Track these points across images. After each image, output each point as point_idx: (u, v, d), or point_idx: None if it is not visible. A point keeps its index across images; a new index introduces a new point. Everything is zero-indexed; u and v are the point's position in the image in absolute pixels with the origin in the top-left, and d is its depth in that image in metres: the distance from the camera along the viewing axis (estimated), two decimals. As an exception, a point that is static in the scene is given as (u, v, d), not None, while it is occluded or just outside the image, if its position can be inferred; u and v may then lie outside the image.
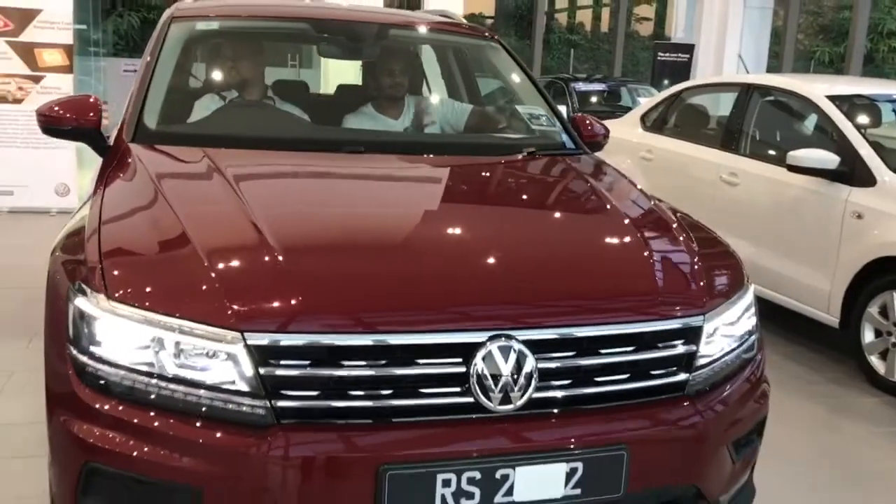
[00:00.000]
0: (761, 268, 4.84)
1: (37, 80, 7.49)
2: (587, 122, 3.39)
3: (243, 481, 1.76)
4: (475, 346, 1.85)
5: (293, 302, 1.85)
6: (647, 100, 7.07)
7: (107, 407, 1.83)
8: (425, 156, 3.08)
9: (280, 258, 1.94)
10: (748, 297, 2.31)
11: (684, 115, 6.30)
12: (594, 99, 11.90)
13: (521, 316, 1.95)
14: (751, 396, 2.24)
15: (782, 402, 3.64)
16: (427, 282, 2.03)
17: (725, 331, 2.17)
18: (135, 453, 1.79)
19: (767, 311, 5.27)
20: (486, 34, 3.82)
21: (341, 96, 3.90)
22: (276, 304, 1.85)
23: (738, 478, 2.26)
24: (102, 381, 1.84)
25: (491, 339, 1.86)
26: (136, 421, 1.80)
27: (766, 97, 5.45)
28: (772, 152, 5.17)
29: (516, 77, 3.61)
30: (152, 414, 1.80)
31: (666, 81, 13.72)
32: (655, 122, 6.38)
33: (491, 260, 2.17)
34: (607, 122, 7.12)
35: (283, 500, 1.77)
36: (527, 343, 1.88)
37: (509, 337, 1.87)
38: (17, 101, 7.50)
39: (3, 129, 7.50)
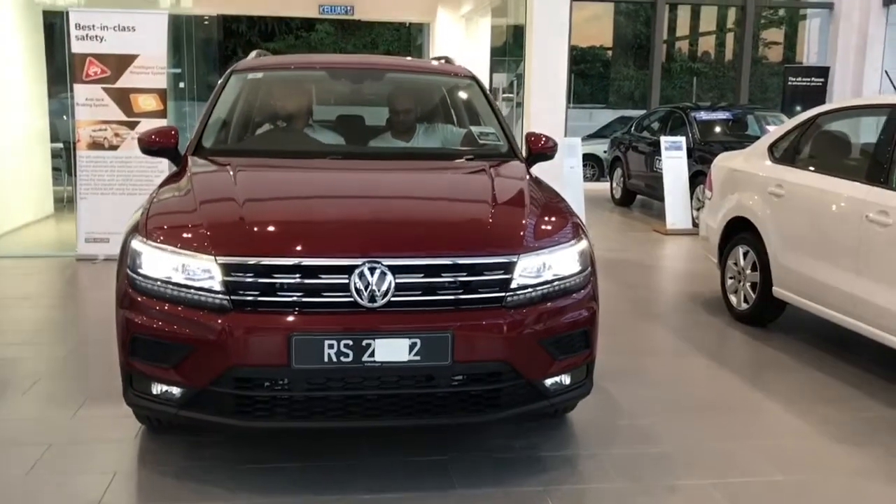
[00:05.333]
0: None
1: (132, 125, 7.42)
2: (540, 139, 4.36)
3: (215, 341, 2.92)
4: (355, 267, 2.96)
5: (244, 242, 3.05)
6: (777, 128, 6.24)
7: (144, 301, 3.05)
8: (386, 161, 4.18)
9: (242, 219, 3.16)
10: (577, 248, 3.32)
11: (821, 143, 5.46)
12: (717, 129, 10.97)
13: (386, 250, 3.03)
14: (565, 314, 3.21)
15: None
16: (329, 228, 3.22)
17: (549, 268, 3.19)
18: (158, 327, 3.01)
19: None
20: (467, 75, 4.89)
21: (377, 127, 4.67)
22: (235, 243, 3.04)
23: (566, 372, 3.24)
24: (143, 287, 3.06)
25: (365, 263, 2.96)
26: (159, 309, 3.02)
27: (923, 120, 4.57)
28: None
29: (484, 105, 4.68)
30: (168, 305, 3.02)
31: (798, 108, 12.63)
32: (787, 153, 5.56)
33: (374, 215, 3.40)
34: (728, 154, 6.42)
35: (236, 351, 2.92)
36: (389, 267, 2.96)
37: (377, 262, 2.96)
38: (113, 147, 7.46)
39: (98, 176, 7.46)
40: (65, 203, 10.54)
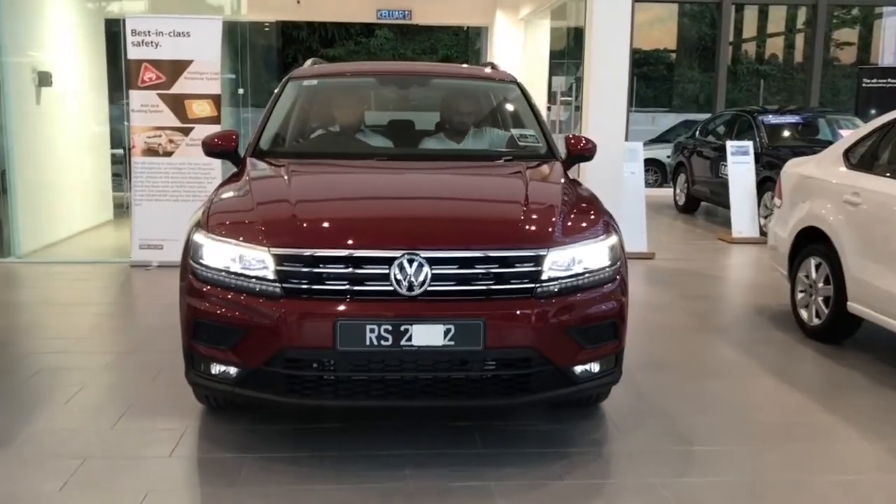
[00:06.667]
0: None
1: (186, 132, 7.41)
2: (579, 140, 4.57)
3: (267, 325, 3.17)
4: (394, 259, 3.17)
5: (294, 235, 3.30)
6: (852, 132, 5.88)
7: (205, 289, 3.32)
8: (430, 162, 4.42)
9: (294, 216, 3.42)
10: (607, 243, 3.47)
11: (902, 148, 5.10)
12: (786, 133, 10.53)
13: (424, 243, 3.21)
14: (593, 305, 3.36)
15: None
16: (371, 224, 3.48)
17: (579, 262, 3.34)
18: (217, 312, 3.27)
19: None
20: (511, 80, 5.09)
21: (426, 130, 4.87)
22: (286, 236, 3.29)
23: (595, 360, 3.39)
24: (204, 276, 3.34)
25: (404, 255, 3.17)
26: (218, 296, 3.28)
27: None
28: None
29: (525, 108, 4.87)
30: (227, 293, 3.27)
31: (873, 111, 12.07)
32: (864, 159, 5.21)
33: (414, 211, 3.64)
34: (799, 159, 6.08)
35: (287, 334, 3.15)
36: (426, 258, 3.17)
37: (415, 254, 3.17)
38: (167, 153, 7.45)
39: (153, 183, 7.46)
40: (124, 209, 10.64)
